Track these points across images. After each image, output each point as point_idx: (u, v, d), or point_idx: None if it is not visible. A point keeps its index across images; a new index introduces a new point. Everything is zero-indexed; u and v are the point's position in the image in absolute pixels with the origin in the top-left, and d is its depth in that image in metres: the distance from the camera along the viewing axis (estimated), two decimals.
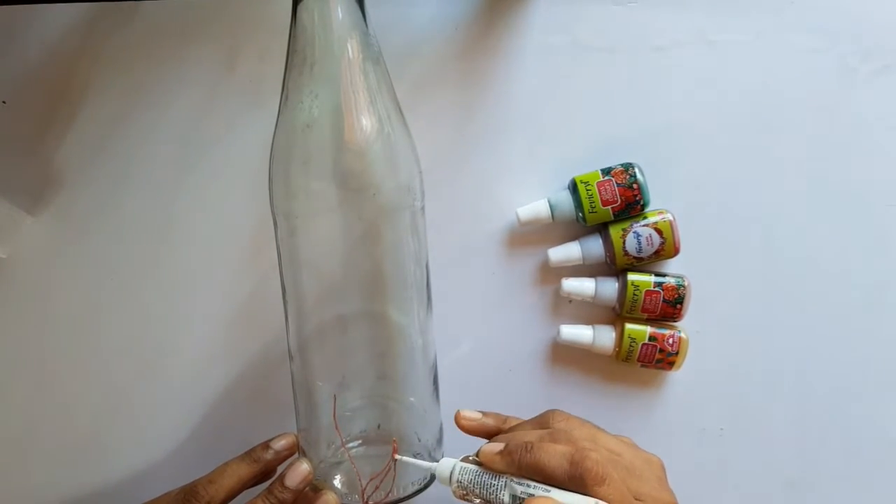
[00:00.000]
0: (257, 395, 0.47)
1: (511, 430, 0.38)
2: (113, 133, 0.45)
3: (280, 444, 0.39)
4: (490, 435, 0.39)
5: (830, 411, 0.47)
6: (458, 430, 0.40)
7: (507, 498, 0.33)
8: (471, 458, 0.36)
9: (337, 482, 0.38)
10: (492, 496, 0.33)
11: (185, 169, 0.46)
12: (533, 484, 0.32)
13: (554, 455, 0.32)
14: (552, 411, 0.37)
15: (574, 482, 0.31)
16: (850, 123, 0.46)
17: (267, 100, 0.45)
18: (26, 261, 0.46)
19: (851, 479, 0.48)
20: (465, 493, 0.34)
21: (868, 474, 0.47)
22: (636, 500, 0.32)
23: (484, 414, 0.40)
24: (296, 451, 0.40)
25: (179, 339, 0.47)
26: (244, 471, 0.38)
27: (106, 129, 0.45)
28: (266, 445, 0.39)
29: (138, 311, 0.46)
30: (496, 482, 0.33)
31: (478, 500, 0.34)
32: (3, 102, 0.45)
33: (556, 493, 0.31)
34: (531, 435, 0.35)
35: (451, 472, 0.35)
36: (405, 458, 0.36)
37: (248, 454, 0.39)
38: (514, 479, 0.33)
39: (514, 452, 0.33)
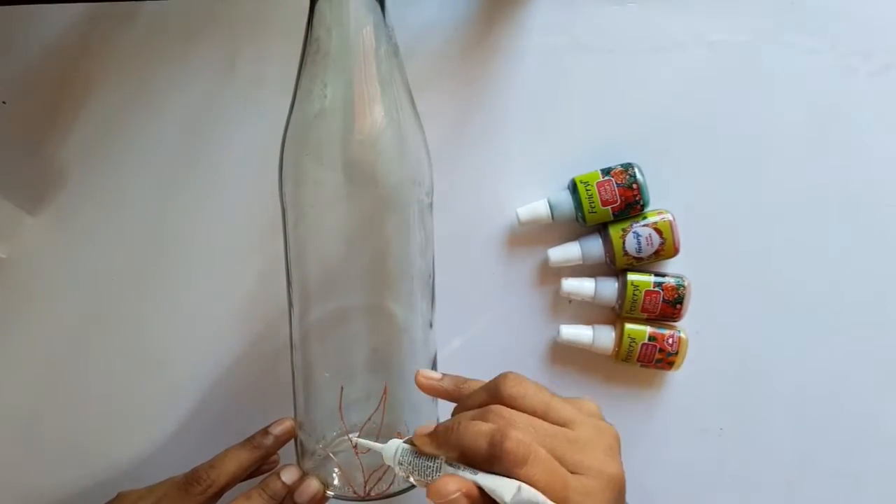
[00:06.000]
0: (258, 388, 0.47)
1: (463, 401, 0.36)
2: (113, 133, 0.45)
3: (279, 429, 0.40)
4: (446, 398, 0.37)
5: (830, 411, 0.47)
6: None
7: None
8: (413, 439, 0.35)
9: (332, 474, 0.38)
10: (428, 478, 0.32)
11: (185, 169, 0.46)
12: (462, 466, 0.31)
13: (476, 436, 0.31)
14: (503, 375, 0.34)
15: (495, 464, 0.30)
16: (850, 123, 0.46)
17: (267, 100, 0.45)
18: (26, 261, 0.46)
19: (850, 479, 0.48)
20: (406, 475, 0.33)
21: (867, 474, 0.48)
22: (574, 472, 0.30)
23: (443, 376, 0.38)
24: (294, 434, 0.40)
25: (179, 338, 0.47)
26: (244, 456, 0.39)
27: (106, 129, 0.45)
28: (265, 432, 0.40)
29: (139, 310, 0.46)
30: (432, 464, 0.32)
31: (417, 482, 0.33)
32: (3, 103, 0.45)
33: (481, 477, 0.30)
34: (470, 411, 0.34)
35: (395, 454, 0.33)
36: (364, 441, 0.35)
37: (249, 440, 0.40)
38: (448, 462, 0.32)
39: (440, 434, 0.32)
